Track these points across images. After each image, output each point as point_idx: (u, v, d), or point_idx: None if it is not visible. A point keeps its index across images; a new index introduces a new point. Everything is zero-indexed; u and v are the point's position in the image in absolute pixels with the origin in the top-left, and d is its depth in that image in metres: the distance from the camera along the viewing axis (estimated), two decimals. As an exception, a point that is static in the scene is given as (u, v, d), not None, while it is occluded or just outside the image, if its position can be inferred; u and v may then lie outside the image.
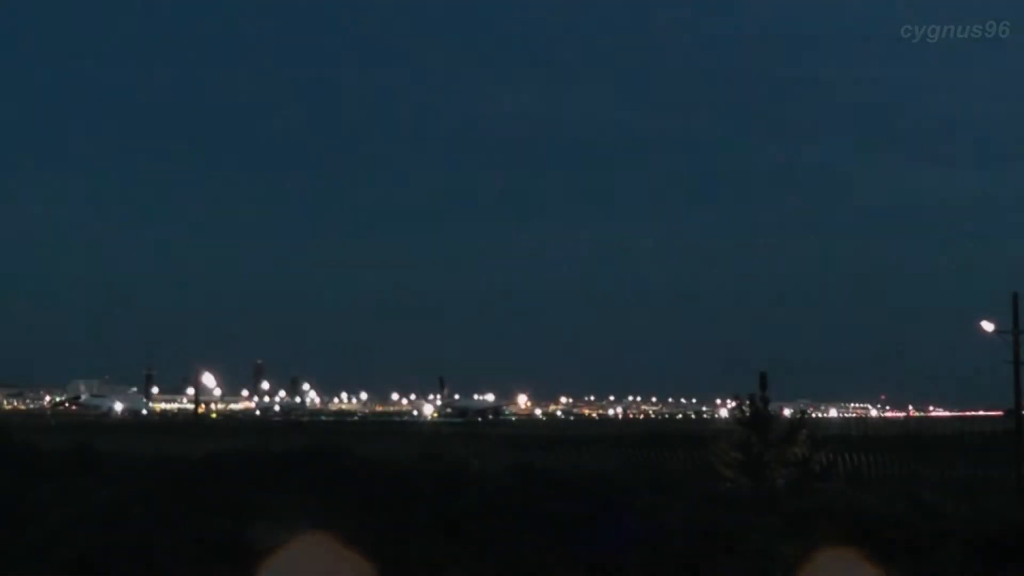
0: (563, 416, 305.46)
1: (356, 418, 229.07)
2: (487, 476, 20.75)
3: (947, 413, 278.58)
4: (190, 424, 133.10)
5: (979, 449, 74.34)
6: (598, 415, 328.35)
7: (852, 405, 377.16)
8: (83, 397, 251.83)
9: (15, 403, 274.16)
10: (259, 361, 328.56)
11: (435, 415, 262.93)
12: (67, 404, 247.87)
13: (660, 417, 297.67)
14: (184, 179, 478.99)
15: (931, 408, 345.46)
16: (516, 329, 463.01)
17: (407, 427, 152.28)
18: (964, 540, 16.88)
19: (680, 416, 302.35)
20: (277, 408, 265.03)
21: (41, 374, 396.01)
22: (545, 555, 18.42)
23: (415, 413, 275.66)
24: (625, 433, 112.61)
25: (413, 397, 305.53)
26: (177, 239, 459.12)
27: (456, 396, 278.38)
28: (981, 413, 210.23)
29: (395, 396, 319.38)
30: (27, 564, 19.43)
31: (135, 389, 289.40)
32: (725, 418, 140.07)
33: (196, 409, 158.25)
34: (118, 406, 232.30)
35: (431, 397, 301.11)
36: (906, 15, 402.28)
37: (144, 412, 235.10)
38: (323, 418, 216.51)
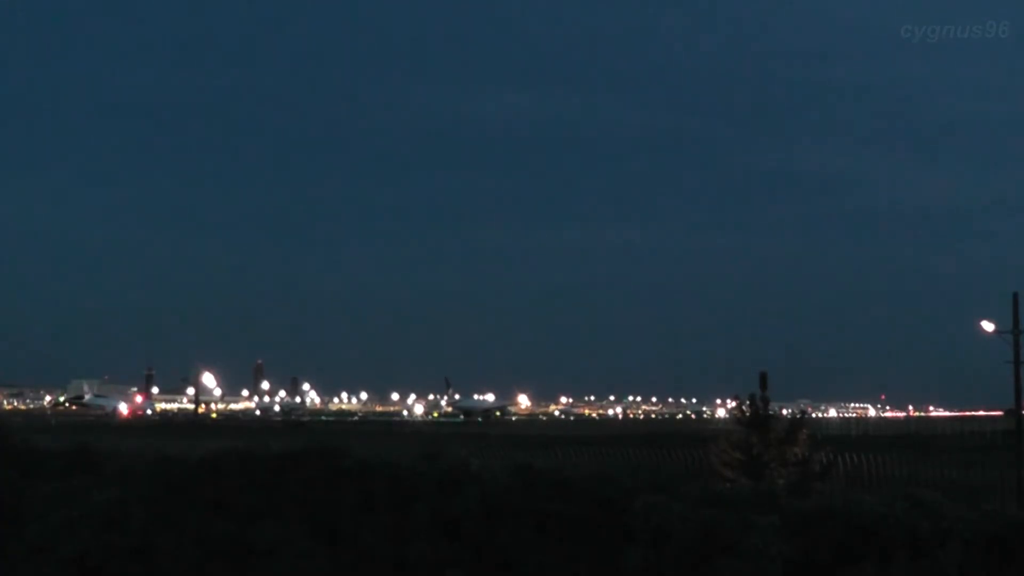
0: (563, 416, 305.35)
1: (356, 418, 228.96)
2: (487, 476, 20.71)
3: (947, 413, 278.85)
4: (190, 424, 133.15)
5: (979, 449, 74.37)
6: (598, 415, 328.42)
7: (852, 405, 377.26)
8: (87, 397, 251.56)
9: (15, 403, 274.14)
10: (259, 361, 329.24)
11: (435, 415, 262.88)
12: (68, 404, 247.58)
13: (660, 417, 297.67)
14: (184, 180, 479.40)
15: (931, 408, 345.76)
16: (516, 329, 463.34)
17: (406, 427, 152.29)
18: (964, 540, 16.85)
19: (680, 416, 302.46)
20: (277, 408, 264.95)
21: (41, 374, 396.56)
22: (545, 555, 18.41)
23: (405, 413, 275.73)
24: (625, 433, 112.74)
25: (413, 397, 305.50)
26: (177, 240, 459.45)
27: (456, 396, 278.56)
28: (981, 413, 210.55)
29: (395, 396, 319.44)
30: (27, 564, 19.42)
31: (135, 389, 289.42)
32: (725, 418, 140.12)
33: (196, 409, 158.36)
34: (122, 406, 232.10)
35: (431, 397, 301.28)
36: (906, 15, 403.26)
37: (148, 412, 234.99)
38: (323, 418, 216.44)
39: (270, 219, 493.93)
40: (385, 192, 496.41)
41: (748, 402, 32.99)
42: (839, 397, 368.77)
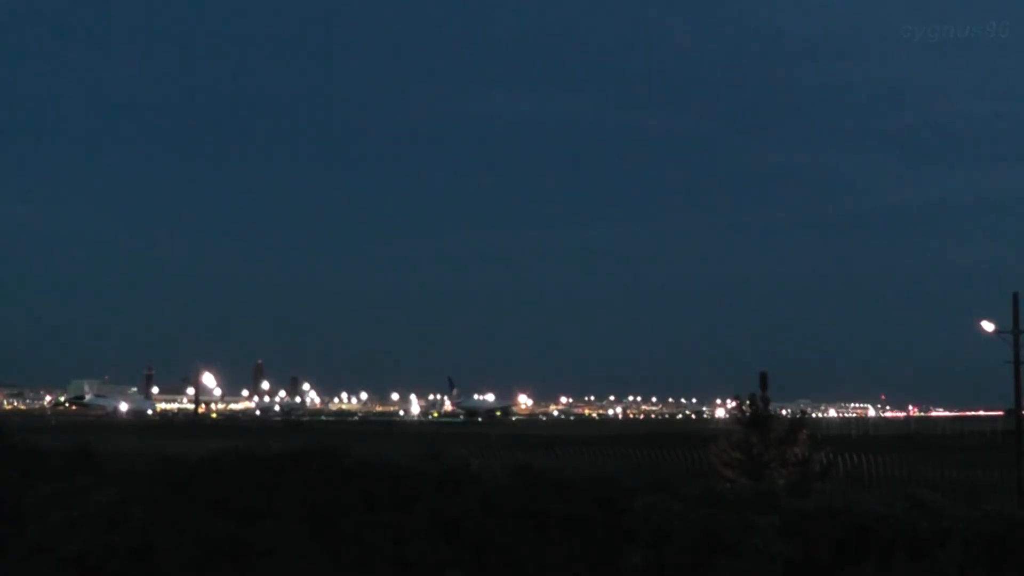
0: (563, 416, 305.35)
1: (356, 418, 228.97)
2: (487, 476, 20.71)
3: (947, 413, 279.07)
4: (190, 424, 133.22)
5: (979, 449, 74.59)
6: (598, 415, 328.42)
7: (852, 405, 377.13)
8: (88, 397, 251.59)
9: (15, 403, 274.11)
10: (259, 361, 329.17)
11: (435, 414, 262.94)
12: (68, 404, 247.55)
13: (660, 417, 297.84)
14: (185, 181, 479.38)
15: (931, 408, 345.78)
16: (516, 329, 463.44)
17: (406, 427, 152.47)
18: (964, 540, 16.85)
19: (680, 416, 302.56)
20: (277, 408, 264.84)
21: (41, 374, 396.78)
22: (545, 555, 18.41)
23: (402, 413, 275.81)
24: (625, 433, 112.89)
25: (414, 397, 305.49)
26: (177, 240, 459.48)
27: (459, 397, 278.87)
28: (981, 413, 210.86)
29: (395, 396, 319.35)
30: (27, 564, 19.42)
31: (135, 389, 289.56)
32: (725, 418, 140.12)
33: (196, 409, 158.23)
34: (123, 406, 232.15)
35: (431, 397, 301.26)
36: (906, 15, 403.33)
37: (149, 412, 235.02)
38: (323, 418, 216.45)
39: (270, 219, 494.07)
40: (385, 192, 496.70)
41: (748, 402, 32.99)
42: (839, 397, 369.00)
